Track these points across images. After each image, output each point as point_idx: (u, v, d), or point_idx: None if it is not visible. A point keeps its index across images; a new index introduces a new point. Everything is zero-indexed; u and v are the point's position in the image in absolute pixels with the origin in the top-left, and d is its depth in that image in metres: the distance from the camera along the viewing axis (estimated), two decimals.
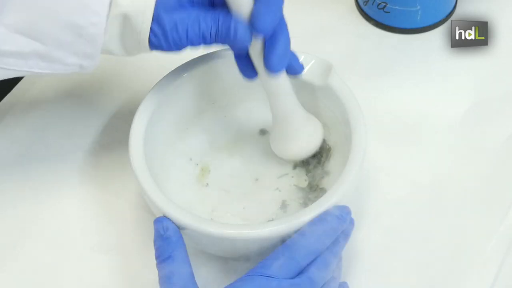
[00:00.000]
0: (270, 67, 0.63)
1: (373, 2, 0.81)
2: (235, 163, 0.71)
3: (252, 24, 0.61)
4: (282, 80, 0.65)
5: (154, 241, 0.61)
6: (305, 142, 0.68)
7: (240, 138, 0.72)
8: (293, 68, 0.67)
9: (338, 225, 0.60)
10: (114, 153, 0.74)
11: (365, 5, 0.82)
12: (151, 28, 0.61)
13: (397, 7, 0.80)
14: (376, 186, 0.71)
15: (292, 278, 0.58)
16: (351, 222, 0.62)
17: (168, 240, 0.60)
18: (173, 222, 0.61)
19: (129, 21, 0.61)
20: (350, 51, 0.81)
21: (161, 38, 0.61)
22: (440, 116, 0.75)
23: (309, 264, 0.59)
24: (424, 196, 0.70)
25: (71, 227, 0.70)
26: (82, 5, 0.60)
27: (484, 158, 0.72)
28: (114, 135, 0.75)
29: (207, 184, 0.70)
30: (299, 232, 0.59)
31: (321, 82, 0.68)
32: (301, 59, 0.68)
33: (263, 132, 0.72)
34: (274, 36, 0.63)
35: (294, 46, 0.70)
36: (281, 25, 0.63)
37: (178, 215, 0.61)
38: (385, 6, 0.80)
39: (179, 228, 0.61)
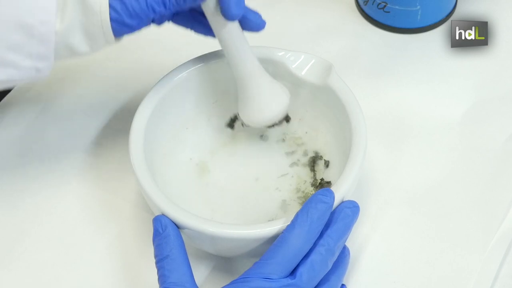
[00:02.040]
0: (226, 13, 0.62)
1: (373, 2, 0.81)
2: (235, 163, 0.71)
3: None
4: (238, 35, 0.65)
5: (153, 240, 0.61)
6: (266, 106, 0.67)
7: (240, 138, 0.72)
8: (252, 23, 0.66)
9: (325, 210, 0.60)
10: (114, 153, 0.74)
11: (365, 5, 0.83)
12: (109, 5, 0.60)
13: (397, 7, 0.80)
14: (376, 186, 0.71)
15: (289, 276, 0.58)
16: (354, 213, 0.61)
17: (167, 238, 0.60)
18: (171, 220, 0.61)
19: (86, 4, 0.60)
20: (350, 51, 0.81)
21: (122, 13, 0.61)
22: (440, 116, 0.75)
23: (303, 259, 0.59)
24: (424, 195, 0.70)
25: (71, 226, 0.70)
26: (30, 3, 0.59)
27: (484, 158, 0.72)
28: (114, 135, 0.75)
29: (207, 184, 0.70)
30: (288, 227, 0.59)
31: (321, 82, 0.68)
32: (301, 59, 0.68)
33: (264, 138, 0.72)
34: None
35: (295, 46, 0.71)
36: None
37: (178, 215, 0.61)
38: (385, 6, 0.80)
39: (178, 227, 0.61)
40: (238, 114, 0.70)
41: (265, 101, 0.67)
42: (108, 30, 0.61)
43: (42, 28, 0.59)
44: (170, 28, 0.67)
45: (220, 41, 0.65)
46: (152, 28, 0.64)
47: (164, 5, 0.61)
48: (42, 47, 0.60)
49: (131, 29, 0.62)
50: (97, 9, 0.60)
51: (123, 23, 0.61)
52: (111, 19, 0.61)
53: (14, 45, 0.60)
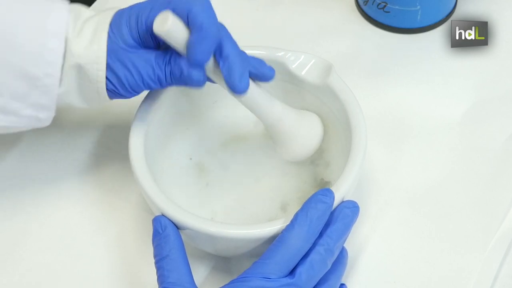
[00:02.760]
0: (234, 90, 0.62)
1: (373, 2, 0.81)
2: (235, 163, 0.71)
3: (188, 58, 0.61)
4: (255, 93, 0.64)
5: (153, 240, 0.61)
6: (304, 141, 0.67)
7: (240, 138, 0.72)
8: (263, 75, 0.65)
9: (325, 210, 0.60)
10: (114, 153, 0.74)
11: (365, 5, 0.82)
12: (106, 77, 0.61)
13: (397, 7, 0.80)
14: (376, 186, 0.71)
15: (288, 275, 0.58)
16: (354, 213, 0.61)
17: (166, 238, 0.60)
18: (171, 221, 0.61)
19: (84, 71, 0.61)
20: (350, 51, 0.81)
21: (118, 86, 0.62)
22: (440, 116, 0.75)
23: (302, 259, 0.59)
24: (424, 196, 0.70)
25: (71, 227, 0.70)
26: (37, 55, 0.60)
27: (484, 158, 0.72)
28: (114, 135, 0.75)
29: (207, 184, 0.70)
30: (287, 227, 0.59)
31: (321, 82, 0.68)
32: (301, 59, 0.68)
33: (265, 136, 0.72)
34: (224, 58, 0.61)
35: (295, 46, 0.70)
36: (227, 44, 0.62)
37: (178, 215, 0.61)
38: (385, 6, 0.80)
39: (179, 227, 0.61)
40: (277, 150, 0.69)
41: (300, 140, 0.67)
42: (104, 96, 0.62)
43: (47, 80, 0.60)
44: None
45: (239, 101, 0.65)
46: None
47: (160, 82, 0.62)
48: (45, 98, 0.61)
49: (127, 97, 0.63)
50: (93, 79, 0.61)
51: (119, 94, 0.63)
52: (107, 89, 0.62)
53: (17, 94, 0.60)
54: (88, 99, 0.63)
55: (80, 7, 0.63)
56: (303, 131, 0.67)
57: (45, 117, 0.63)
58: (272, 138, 0.68)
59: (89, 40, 0.61)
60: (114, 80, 0.61)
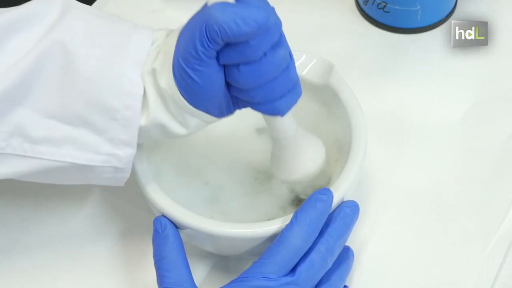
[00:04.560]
0: (275, 112, 0.60)
1: (373, 2, 0.81)
2: (235, 163, 0.71)
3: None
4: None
5: (153, 240, 0.61)
6: (305, 165, 0.65)
7: (240, 138, 0.72)
8: None
9: (324, 208, 0.60)
10: None
11: (365, 5, 0.82)
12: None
13: (397, 7, 0.80)
14: (376, 186, 0.71)
15: (288, 274, 0.58)
16: (354, 213, 0.61)
17: (166, 239, 0.60)
18: (171, 221, 0.61)
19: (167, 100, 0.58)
20: (350, 51, 0.81)
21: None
22: (440, 116, 0.75)
23: (303, 258, 0.59)
24: (424, 196, 0.70)
25: (71, 227, 0.70)
26: (116, 86, 0.57)
27: (484, 158, 0.72)
28: None
29: (206, 183, 0.70)
30: (287, 226, 0.59)
31: (322, 81, 0.68)
32: (302, 58, 0.68)
33: (259, 131, 0.72)
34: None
35: (295, 46, 0.70)
36: None
37: (178, 214, 0.61)
38: (385, 6, 0.80)
39: (178, 227, 0.61)
40: (273, 171, 0.67)
41: (302, 163, 0.64)
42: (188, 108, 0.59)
43: (127, 112, 0.58)
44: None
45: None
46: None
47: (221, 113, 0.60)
48: (125, 133, 0.58)
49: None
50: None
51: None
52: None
53: (97, 128, 0.58)
54: (176, 115, 0.59)
55: (156, 32, 0.60)
56: (307, 156, 0.65)
57: (124, 156, 0.59)
58: (273, 156, 0.66)
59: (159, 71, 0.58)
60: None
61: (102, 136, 0.58)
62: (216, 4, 0.54)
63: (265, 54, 0.56)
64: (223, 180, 0.70)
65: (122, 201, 0.71)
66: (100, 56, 0.57)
